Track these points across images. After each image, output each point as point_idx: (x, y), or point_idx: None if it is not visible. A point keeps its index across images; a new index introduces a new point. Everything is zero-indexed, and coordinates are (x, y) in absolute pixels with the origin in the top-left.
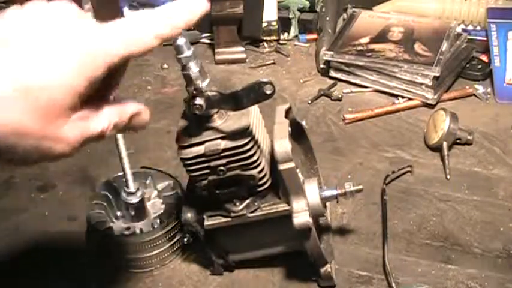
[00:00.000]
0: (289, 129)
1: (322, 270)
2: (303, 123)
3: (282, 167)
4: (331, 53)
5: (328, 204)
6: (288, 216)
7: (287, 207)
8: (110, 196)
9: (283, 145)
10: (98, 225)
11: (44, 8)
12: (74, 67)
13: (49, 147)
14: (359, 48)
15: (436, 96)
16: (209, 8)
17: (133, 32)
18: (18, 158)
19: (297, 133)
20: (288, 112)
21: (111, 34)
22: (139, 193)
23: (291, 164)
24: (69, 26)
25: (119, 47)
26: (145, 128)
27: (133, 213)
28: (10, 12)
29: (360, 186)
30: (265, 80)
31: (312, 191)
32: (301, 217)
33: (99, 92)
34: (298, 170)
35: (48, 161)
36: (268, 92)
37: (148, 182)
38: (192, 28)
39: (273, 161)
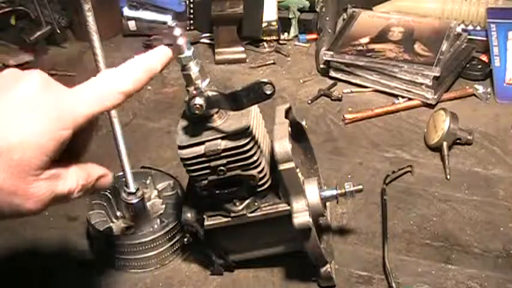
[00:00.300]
0: (289, 129)
1: (322, 270)
2: (303, 123)
3: (282, 167)
4: (331, 53)
5: (328, 204)
6: (288, 216)
7: (287, 207)
8: (110, 196)
9: (283, 145)
10: (98, 225)
11: (14, 75)
12: (43, 128)
13: (19, 203)
14: (359, 48)
15: (436, 96)
16: (172, 55)
17: (97, 92)
18: None
19: (297, 133)
20: (288, 112)
21: (76, 97)
22: (139, 193)
23: (291, 164)
24: (38, 91)
25: (84, 107)
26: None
27: (133, 213)
28: None
29: (360, 186)
30: (265, 80)
31: (312, 191)
32: (301, 217)
33: (68, 152)
34: (298, 170)
35: (18, 217)
36: (268, 92)
37: (148, 182)
38: (192, 28)
39: (273, 161)
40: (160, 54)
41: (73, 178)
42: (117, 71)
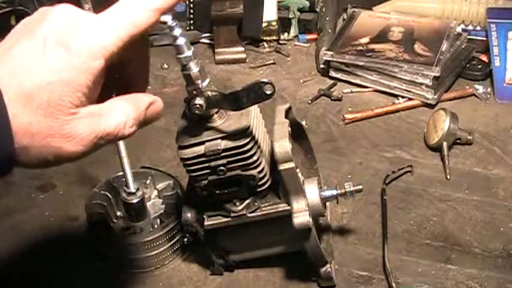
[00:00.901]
0: (289, 129)
1: (322, 270)
2: (303, 123)
3: (282, 167)
4: (331, 53)
5: (328, 204)
6: (288, 216)
7: (287, 207)
8: (110, 196)
9: (283, 145)
10: (98, 225)
11: (41, 15)
12: (68, 63)
13: (59, 146)
14: (359, 48)
15: (436, 96)
16: None
17: (126, 13)
18: (34, 159)
19: (297, 133)
20: (288, 112)
21: (103, 22)
22: (139, 193)
23: (291, 164)
24: (62, 27)
25: (114, 31)
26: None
27: (133, 213)
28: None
29: (360, 186)
30: (265, 80)
31: (312, 191)
32: (301, 217)
33: (123, 84)
34: (298, 170)
35: (64, 160)
36: (268, 92)
37: (148, 182)
38: (192, 28)
39: (273, 161)
40: None
41: (119, 113)
42: None
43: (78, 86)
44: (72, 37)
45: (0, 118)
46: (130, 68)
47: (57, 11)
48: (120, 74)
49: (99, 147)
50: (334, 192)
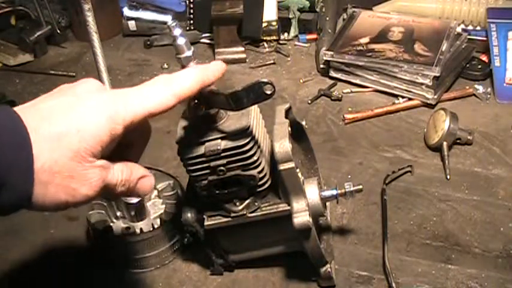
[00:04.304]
0: (289, 129)
1: (322, 270)
2: (303, 123)
3: (282, 167)
4: (331, 53)
5: (328, 204)
6: (288, 216)
7: (287, 207)
8: None
9: (283, 145)
10: (98, 225)
11: (71, 84)
12: (100, 122)
13: (76, 187)
14: (359, 48)
15: (436, 96)
16: (226, 68)
17: (150, 92)
18: (49, 199)
19: (297, 133)
20: (288, 112)
21: (130, 96)
22: None
23: (291, 164)
24: (95, 90)
25: (137, 106)
26: (148, 195)
27: (133, 213)
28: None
29: (360, 186)
30: (265, 80)
31: (312, 191)
32: (301, 217)
33: (120, 153)
34: (298, 170)
35: (73, 204)
36: (268, 92)
37: None
38: (192, 28)
39: (273, 161)
40: (215, 67)
41: (118, 171)
42: (171, 76)
43: (100, 140)
44: (105, 101)
45: (24, 156)
46: (131, 149)
47: (89, 80)
48: (120, 150)
49: (96, 198)
50: (334, 192)
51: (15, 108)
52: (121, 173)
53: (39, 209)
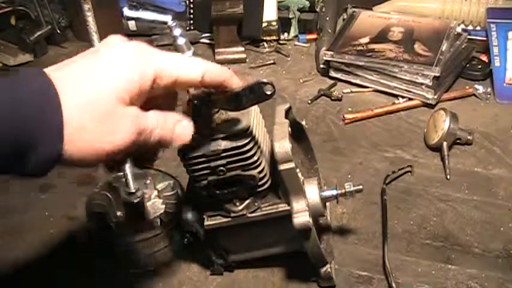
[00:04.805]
0: (289, 129)
1: (322, 270)
2: (303, 123)
3: (282, 167)
4: (331, 53)
5: (328, 204)
6: (288, 216)
7: (287, 208)
8: (110, 196)
9: (284, 145)
10: (97, 225)
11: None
12: (130, 74)
13: (111, 134)
14: (359, 48)
15: (436, 96)
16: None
17: (181, 60)
18: (86, 151)
19: (297, 133)
20: (288, 112)
21: (161, 56)
22: (139, 193)
23: (291, 165)
24: (126, 51)
25: (166, 65)
26: (187, 141)
27: (133, 213)
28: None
29: (360, 186)
30: (265, 80)
31: (312, 191)
32: (301, 217)
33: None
34: (298, 170)
35: (112, 153)
36: (268, 93)
37: (148, 182)
38: (192, 28)
39: (273, 161)
40: (237, 81)
41: (153, 118)
42: (202, 60)
43: (132, 94)
44: (135, 57)
45: (55, 114)
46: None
47: (115, 37)
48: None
49: (135, 146)
50: (334, 192)
51: (45, 70)
52: (155, 117)
53: (79, 163)
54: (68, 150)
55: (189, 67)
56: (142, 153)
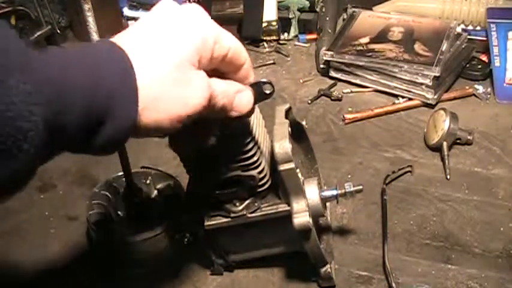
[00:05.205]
0: (289, 129)
1: (322, 270)
2: (303, 123)
3: (282, 167)
4: (331, 53)
5: (328, 204)
6: (288, 216)
7: (287, 208)
8: (110, 196)
9: (284, 146)
10: (98, 225)
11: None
12: (195, 40)
13: (186, 95)
14: (359, 48)
15: (436, 96)
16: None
17: (240, 46)
18: (161, 115)
19: (297, 133)
20: (288, 112)
21: (224, 34)
22: (139, 193)
23: (291, 165)
24: (192, 17)
25: (225, 37)
26: (249, 115)
27: (133, 213)
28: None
29: (360, 186)
30: (264, 80)
31: (312, 191)
32: (301, 217)
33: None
34: (298, 170)
35: (185, 116)
36: (267, 92)
37: (148, 182)
38: None
39: (273, 162)
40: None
41: (219, 84)
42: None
43: (204, 55)
44: (203, 24)
45: (128, 83)
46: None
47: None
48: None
49: (210, 109)
50: (334, 192)
51: (113, 40)
52: (219, 83)
53: (155, 131)
54: (143, 119)
55: (244, 55)
56: (201, 127)
